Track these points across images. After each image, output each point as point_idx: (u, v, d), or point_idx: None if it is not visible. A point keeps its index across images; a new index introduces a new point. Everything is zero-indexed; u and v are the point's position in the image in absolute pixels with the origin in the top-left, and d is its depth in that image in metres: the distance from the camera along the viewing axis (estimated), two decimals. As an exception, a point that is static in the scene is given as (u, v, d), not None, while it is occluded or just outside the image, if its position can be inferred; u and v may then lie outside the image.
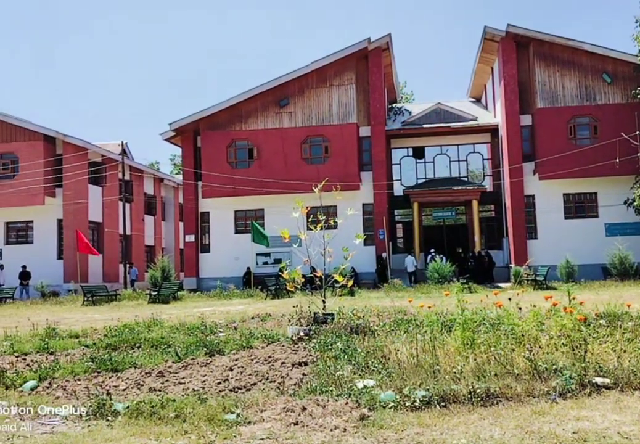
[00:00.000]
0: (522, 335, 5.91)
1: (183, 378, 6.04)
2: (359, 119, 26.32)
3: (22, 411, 5.03)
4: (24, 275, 26.23)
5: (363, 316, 8.66)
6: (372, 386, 5.21)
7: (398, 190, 27.63)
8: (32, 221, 28.24)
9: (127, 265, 29.43)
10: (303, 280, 8.83)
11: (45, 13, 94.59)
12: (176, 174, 48.85)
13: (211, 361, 6.75)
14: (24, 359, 7.33)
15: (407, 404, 4.72)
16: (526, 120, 25.36)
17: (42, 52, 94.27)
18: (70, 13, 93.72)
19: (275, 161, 26.11)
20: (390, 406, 4.72)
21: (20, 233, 28.56)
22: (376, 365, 5.83)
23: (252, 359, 6.68)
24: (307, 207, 9.01)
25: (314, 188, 9.51)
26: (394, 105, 32.01)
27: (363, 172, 26.16)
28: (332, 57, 26.08)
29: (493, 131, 27.25)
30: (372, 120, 26.27)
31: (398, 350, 6.14)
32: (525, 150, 25.30)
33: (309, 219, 8.98)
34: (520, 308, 6.77)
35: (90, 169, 29.13)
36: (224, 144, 26.84)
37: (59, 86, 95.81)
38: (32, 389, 5.78)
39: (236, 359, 6.74)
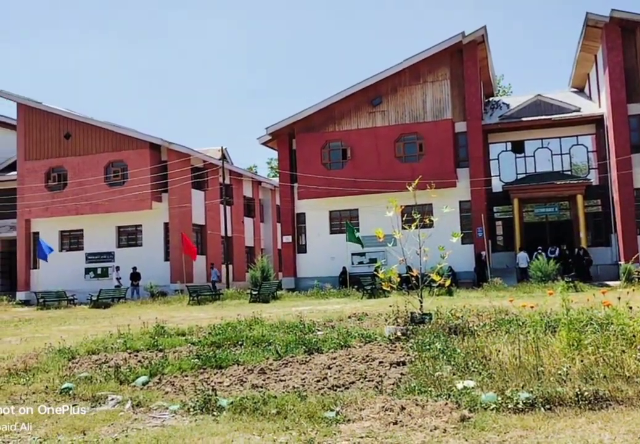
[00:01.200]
0: (634, 336, 5.59)
1: (283, 376, 6.19)
2: (454, 114, 25.80)
3: (135, 404, 5.33)
4: (135, 276, 27.77)
5: (462, 316, 8.49)
6: (472, 387, 5.11)
7: (497, 186, 26.83)
8: (140, 225, 29.81)
9: (210, 266, 30.54)
10: (399, 279, 8.77)
11: (152, 24, 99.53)
12: (273, 176, 49.96)
13: (310, 359, 6.86)
14: (136, 355, 7.75)
15: (509, 406, 4.60)
16: (634, 109, 23.89)
17: (148, 63, 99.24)
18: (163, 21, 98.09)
19: (369, 161, 26.10)
20: (491, 407, 4.61)
21: (130, 236, 30.24)
22: (476, 366, 5.71)
23: (350, 358, 6.73)
24: (401, 206, 8.93)
25: (408, 187, 9.43)
26: (490, 99, 31.11)
27: (459, 168, 25.60)
28: (425, 54, 25.72)
29: (598, 121, 25.86)
30: (468, 115, 25.67)
31: (499, 351, 5.98)
32: (634, 140, 23.85)
33: (404, 218, 8.87)
34: (630, 307, 6.40)
35: (193, 175, 30.36)
36: (318, 145, 27.15)
37: (161, 95, 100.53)
38: (143, 384, 6.10)
39: (334, 358, 6.82)
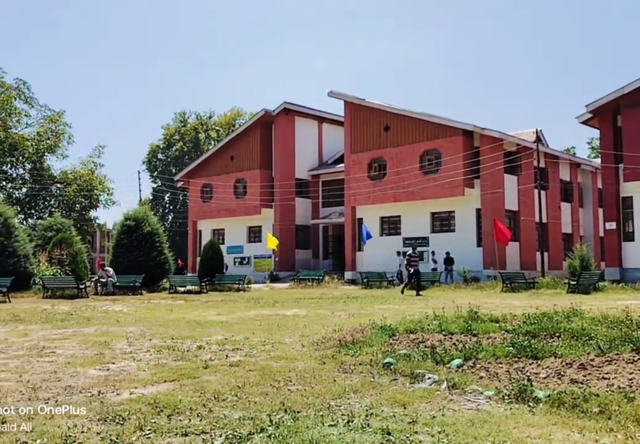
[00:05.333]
0: None
1: (607, 373, 5.76)
2: None
3: (450, 386, 5.54)
4: (448, 261, 28.48)
5: None
6: None
7: None
8: (453, 211, 30.38)
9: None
10: None
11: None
12: (594, 157, 46.05)
13: (639, 359, 6.25)
14: (451, 338, 7.99)
15: None
16: None
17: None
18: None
19: None
20: None
21: (443, 222, 31.06)
22: None
23: (689, 362, 5.93)
24: None
25: None
26: None
27: None
28: None
29: None
30: None
31: None
32: None
33: None
34: None
35: (506, 159, 29.73)
36: (648, 121, 24.17)
37: (471, 83, 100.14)
38: (458, 367, 6.28)
39: (669, 360, 6.09)
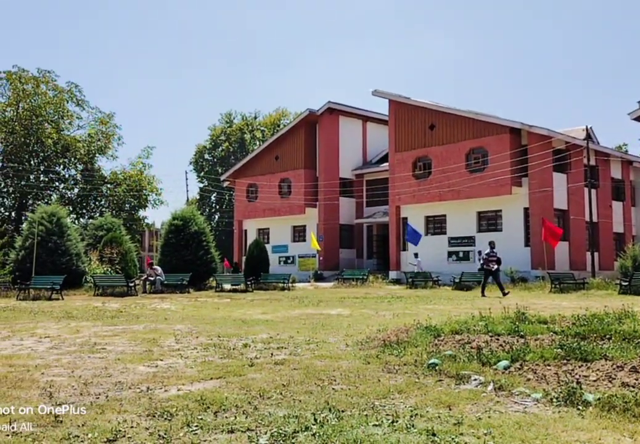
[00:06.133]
0: None
1: (660, 378, 5.59)
2: None
3: (497, 387, 5.46)
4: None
5: None
6: None
7: None
8: (500, 210, 29.90)
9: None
10: None
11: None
12: (648, 154, 44.54)
13: (694, 363, 6.03)
14: (497, 339, 7.86)
15: None
16: None
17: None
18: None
19: None
20: None
21: (490, 221, 30.60)
22: None
23: None
24: None
25: None
26: None
27: None
28: None
29: None
30: None
31: None
32: None
33: None
34: None
35: (555, 157, 29.08)
36: None
37: (520, 80, 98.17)
38: (505, 369, 6.18)
39: None
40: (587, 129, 30.62)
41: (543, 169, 28.26)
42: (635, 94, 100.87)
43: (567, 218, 30.22)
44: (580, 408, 4.71)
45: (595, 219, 29.75)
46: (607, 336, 7.74)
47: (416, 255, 29.80)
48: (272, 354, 7.52)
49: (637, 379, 5.56)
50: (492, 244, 20.97)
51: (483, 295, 19.75)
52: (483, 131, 29.51)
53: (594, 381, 5.62)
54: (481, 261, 20.81)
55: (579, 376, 5.79)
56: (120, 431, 4.21)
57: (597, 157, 32.03)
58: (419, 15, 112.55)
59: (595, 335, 7.86)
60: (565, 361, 6.41)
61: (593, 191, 29.70)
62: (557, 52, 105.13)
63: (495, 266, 20.36)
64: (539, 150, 28.09)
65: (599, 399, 4.79)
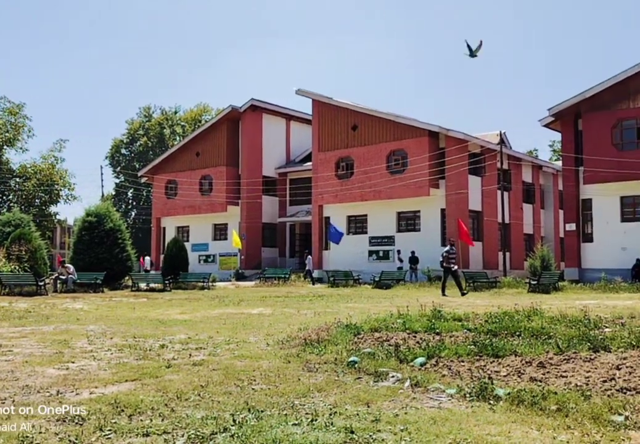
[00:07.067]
0: None
1: (565, 372, 5.89)
2: None
3: (414, 384, 5.58)
4: (413, 260, 28.74)
5: None
6: None
7: None
8: (419, 211, 30.69)
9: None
10: None
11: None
12: (555, 160, 47.05)
13: (595, 357, 6.40)
14: (414, 336, 8.06)
15: None
16: None
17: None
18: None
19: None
20: None
21: (409, 222, 31.35)
22: None
23: (643, 361, 6.10)
24: None
25: None
26: None
27: None
28: None
29: None
30: None
31: None
32: None
33: None
34: None
35: (470, 161, 30.15)
36: (608, 125, 24.81)
37: (439, 84, 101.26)
38: (421, 365, 6.33)
39: (624, 358, 6.25)
40: (500, 134, 31.93)
41: (459, 171, 29.23)
42: (546, 101, 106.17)
43: (481, 219, 31.40)
44: (491, 402, 4.88)
45: (507, 220, 31.06)
46: (517, 333, 8.09)
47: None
48: (190, 354, 7.38)
49: (544, 374, 5.84)
50: (451, 242, 21.15)
51: (444, 295, 19.23)
52: (403, 134, 30.18)
53: (505, 376, 5.85)
54: (440, 259, 20.41)
55: (491, 371, 6.01)
56: (28, 437, 4.00)
57: (510, 162, 33.45)
58: (345, 16, 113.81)
59: (506, 332, 8.20)
60: (478, 357, 6.64)
61: (505, 194, 30.99)
62: (476, 59, 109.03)
63: (455, 266, 20.18)
64: (456, 153, 29.04)
65: (508, 393, 4.98)
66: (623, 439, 3.92)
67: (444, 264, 20.14)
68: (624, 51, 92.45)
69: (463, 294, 19.22)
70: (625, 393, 5.07)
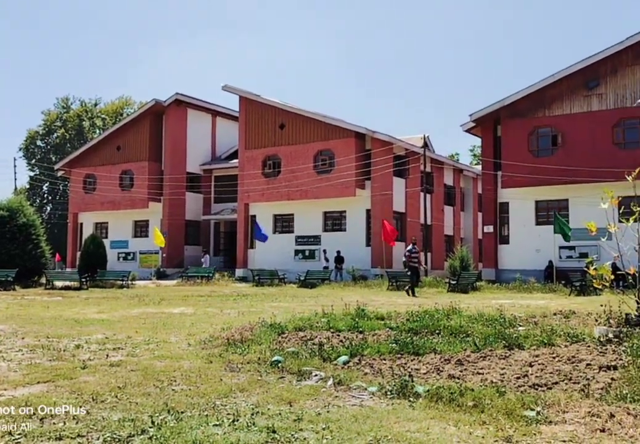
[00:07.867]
0: None
1: (481, 369, 6.09)
2: (687, 95, 22.94)
3: (336, 382, 5.62)
4: (339, 259, 29.01)
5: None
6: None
7: None
8: (345, 211, 31.00)
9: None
10: (612, 277, 8.09)
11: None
12: (475, 164, 48.73)
13: (510, 355, 6.66)
14: (338, 335, 8.13)
15: None
16: None
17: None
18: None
19: (582, 148, 24.29)
20: None
21: (335, 222, 31.62)
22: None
23: (553, 357, 6.40)
24: (618, 198, 8.21)
25: (627, 176, 8.62)
26: None
27: (692, 156, 22.74)
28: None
29: None
30: None
31: None
32: None
33: (620, 211, 8.14)
34: None
35: (395, 163, 30.73)
36: (525, 132, 25.92)
37: (365, 85, 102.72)
38: (344, 364, 6.39)
39: (537, 356, 6.54)
40: (424, 138, 32.75)
41: (384, 173, 29.76)
42: (467, 107, 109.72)
43: (404, 220, 32.10)
44: (411, 399, 4.98)
45: (429, 221, 31.88)
46: (437, 331, 8.31)
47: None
48: (107, 355, 7.14)
49: (461, 371, 6.02)
50: (413, 241, 21.24)
51: (413, 295, 18.81)
52: (330, 134, 30.40)
53: (425, 373, 5.99)
54: (403, 259, 20.23)
55: (411, 369, 6.14)
56: None
57: (433, 165, 34.36)
58: (275, 13, 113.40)
59: (426, 330, 8.40)
60: (399, 355, 6.77)
61: (428, 196, 31.80)
62: (402, 62, 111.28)
63: (415, 266, 20.01)
64: (381, 155, 29.54)
65: (428, 390, 5.10)
66: (534, 434, 4.09)
67: (409, 263, 20.03)
68: (546, 59, 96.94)
69: (413, 295, 18.73)
70: (537, 389, 5.29)
